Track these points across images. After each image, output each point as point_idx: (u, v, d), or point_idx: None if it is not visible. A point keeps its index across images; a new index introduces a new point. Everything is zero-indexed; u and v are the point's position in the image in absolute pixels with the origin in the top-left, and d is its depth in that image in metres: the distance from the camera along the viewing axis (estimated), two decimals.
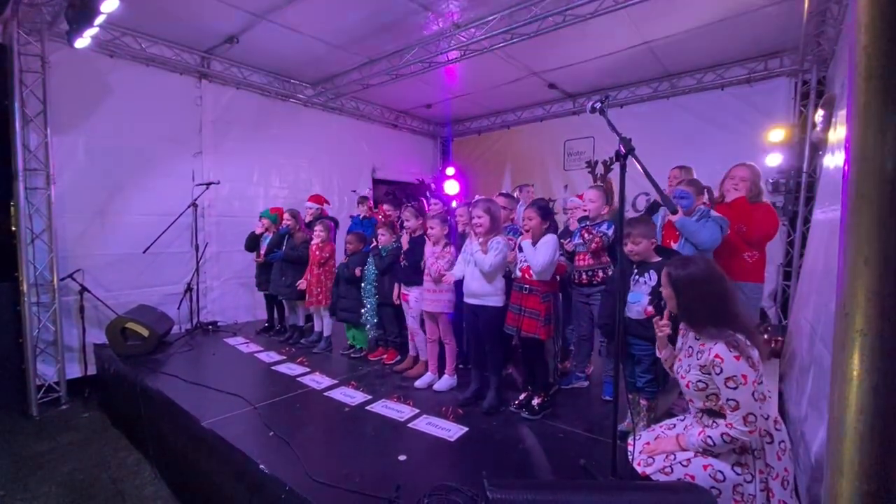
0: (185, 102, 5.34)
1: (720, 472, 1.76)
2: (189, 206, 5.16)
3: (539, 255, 2.85)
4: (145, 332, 4.23)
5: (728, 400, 1.70)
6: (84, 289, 4.46)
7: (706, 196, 3.09)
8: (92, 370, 4.54)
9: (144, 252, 4.84)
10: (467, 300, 3.14)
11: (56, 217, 4.31)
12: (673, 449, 1.90)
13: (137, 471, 3.32)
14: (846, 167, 0.42)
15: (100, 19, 3.54)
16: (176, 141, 5.26)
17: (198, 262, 5.29)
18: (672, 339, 2.08)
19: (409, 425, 2.83)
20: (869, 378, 0.41)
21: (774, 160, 5.15)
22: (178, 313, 5.18)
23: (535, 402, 3.02)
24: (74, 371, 4.51)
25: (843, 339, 0.43)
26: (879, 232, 0.40)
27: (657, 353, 2.10)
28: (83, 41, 3.86)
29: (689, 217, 2.93)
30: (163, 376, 3.68)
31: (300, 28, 4.67)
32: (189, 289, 5.27)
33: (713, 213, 2.91)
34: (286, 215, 4.85)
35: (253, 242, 5.14)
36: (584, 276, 3.25)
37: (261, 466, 2.29)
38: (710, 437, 1.76)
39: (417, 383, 3.52)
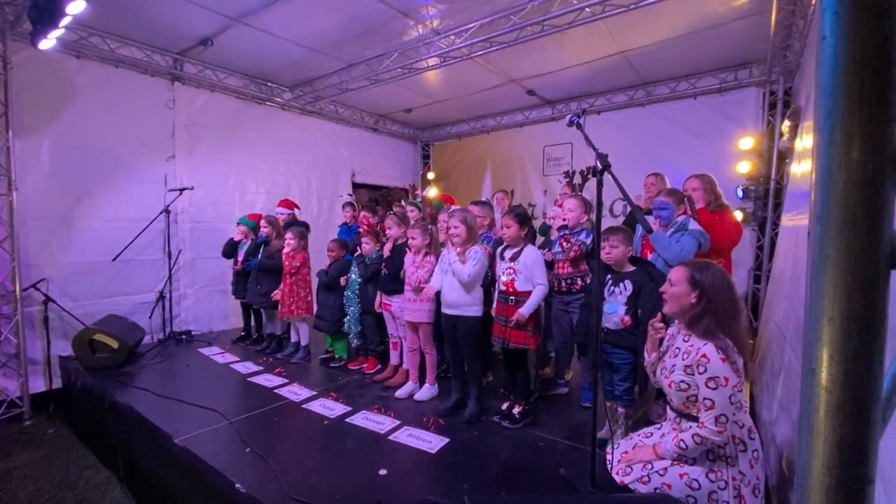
0: (157, 105, 5.19)
1: (695, 480, 1.81)
2: (161, 212, 5.00)
3: (536, 273, 2.89)
4: (114, 344, 4.08)
5: (705, 399, 1.75)
6: (48, 299, 4.28)
7: (687, 205, 3.11)
8: (57, 384, 4.35)
9: (114, 260, 4.68)
10: (445, 310, 3.13)
11: (19, 224, 4.12)
12: (650, 458, 1.93)
13: (106, 490, 3.19)
14: (810, 227, 0.43)
15: (65, 21, 3.41)
16: (147, 145, 5.10)
17: (170, 270, 5.14)
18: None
19: (390, 437, 2.80)
20: (833, 433, 0.42)
21: (744, 167, 5.33)
22: (150, 323, 5.02)
23: (516, 410, 3.03)
24: (38, 385, 4.32)
25: (810, 395, 0.44)
26: (842, 292, 0.41)
27: (647, 357, 2.12)
28: (47, 42, 3.71)
29: (667, 229, 2.97)
30: (133, 390, 3.55)
31: (277, 32, 4.59)
32: (161, 297, 5.11)
33: (692, 225, 2.91)
34: (263, 222, 4.75)
35: (231, 249, 5.03)
36: (563, 284, 3.28)
37: (237, 485, 2.23)
38: (682, 440, 1.80)
39: (398, 393, 3.49)
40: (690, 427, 1.83)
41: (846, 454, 0.42)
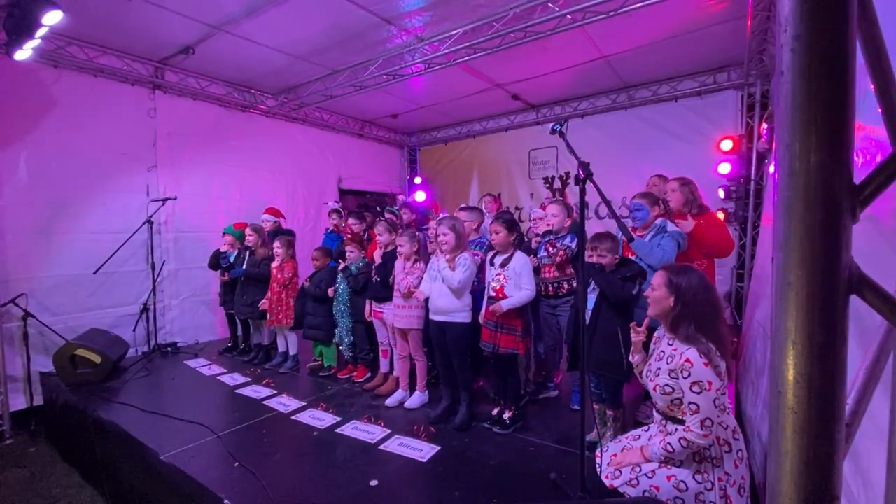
0: (138, 114, 5.10)
1: (683, 481, 1.83)
2: (144, 223, 4.92)
3: (524, 279, 2.91)
4: (97, 359, 4.00)
5: (690, 403, 1.77)
6: (28, 314, 4.17)
7: (662, 206, 3.16)
8: (39, 401, 4.24)
9: (95, 273, 4.58)
10: (434, 317, 3.13)
11: None
12: (638, 461, 1.95)
13: None
14: (773, 254, 0.45)
15: (41, 31, 3.35)
16: (129, 155, 5.01)
17: (154, 281, 5.06)
18: (645, 346, 2.15)
19: (381, 447, 2.79)
20: (800, 453, 0.44)
21: (725, 168, 5.43)
22: (134, 336, 4.93)
23: (507, 415, 3.04)
24: (19, 402, 4.20)
25: (777, 415, 0.45)
26: (804, 317, 0.43)
27: (630, 359, 2.15)
28: (24, 53, 3.64)
29: (646, 230, 3.01)
30: (117, 406, 3.48)
31: (259, 40, 4.56)
32: (145, 309, 5.03)
33: (670, 227, 2.95)
34: (248, 230, 4.69)
35: (216, 261, 4.95)
36: (549, 289, 3.31)
37: (225, 501, 2.21)
38: (669, 444, 1.82)
39: (388, 401, 3.48)
40: (676, 430, 1.85)
41: (812, 473, 0.44)
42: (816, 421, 0.44)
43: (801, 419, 0.44)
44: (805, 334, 0.44)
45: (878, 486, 1.10)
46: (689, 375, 1.76)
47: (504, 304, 2.86)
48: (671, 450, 1.82)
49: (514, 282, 2.94)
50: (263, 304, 4.35)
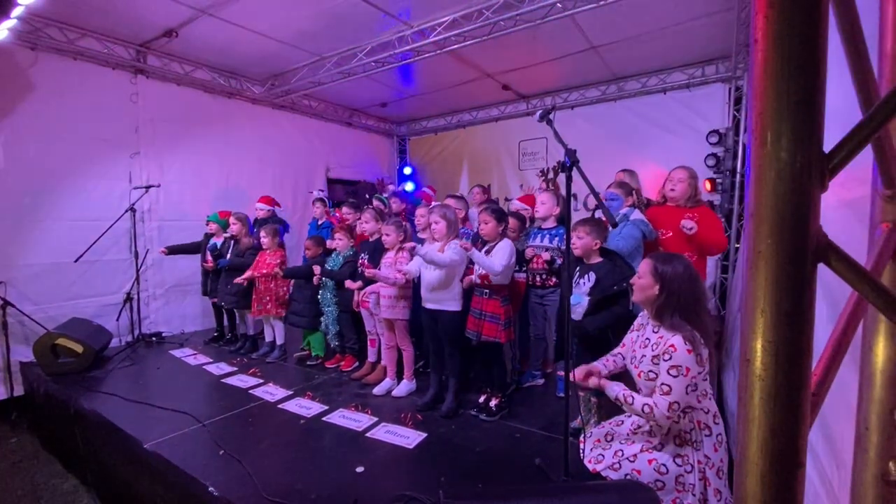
0: (120, 99, 4.98)
1: (664, 465, 1.87)
2: (126, 211, 4.83)
3: (496, 259, 2.89)
4: (79, 348, 3.93)
5: (662, 384, 1.79)
6: (7, 303, 4.08)
7: (635, 197, 3.26)
8: (19, 391, 4.17)
9: (76, 261, 4.49)
10: (426, 304, 3.13)
11: None
12: (599, 386, 1.96)
13: (74, 499, 3.10)
14: (744, 223, 0.45)
15: (17, 11, 3.24)
16: (110, 141, 4.89)
17: (137, 270, 4.98)
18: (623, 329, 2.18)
19: (367, 435, 2.79)
20: (767, 420, 0.44)
21: (711, 161, 5.48)
22: (118, 325, 4.85)
23: (493, 403, 3.07)
24: None
25: (745, 383, 0.46)
26: (773, 285, 0.43)
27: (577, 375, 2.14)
28: None
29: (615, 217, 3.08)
30: (100, 395, 3.43)
31: (246, 24, 4.46)
32: (129, 298, 4.95)
33: (633, 215, 3.02)
34: (232, 219, 4.61)
35: (205, 242, 4.86)
36: (537, 279, 3.33)
37: (209, 489, 2.20)
38: (647, 404, 1.80)
39: (376, 390, 3.48)
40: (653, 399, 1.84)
41: (778, 440, 0.44)
42: (783, 388, 0.45)
43: (767, 386, 0.45)
44: (773, 302, 0.44)
45: (850, 464, 1.13)
46: (670, 359, 1.79)
47: (477, 257, 2.83)
48: (630, 402, 1.82)
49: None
50: (241, 280, 4.22)
